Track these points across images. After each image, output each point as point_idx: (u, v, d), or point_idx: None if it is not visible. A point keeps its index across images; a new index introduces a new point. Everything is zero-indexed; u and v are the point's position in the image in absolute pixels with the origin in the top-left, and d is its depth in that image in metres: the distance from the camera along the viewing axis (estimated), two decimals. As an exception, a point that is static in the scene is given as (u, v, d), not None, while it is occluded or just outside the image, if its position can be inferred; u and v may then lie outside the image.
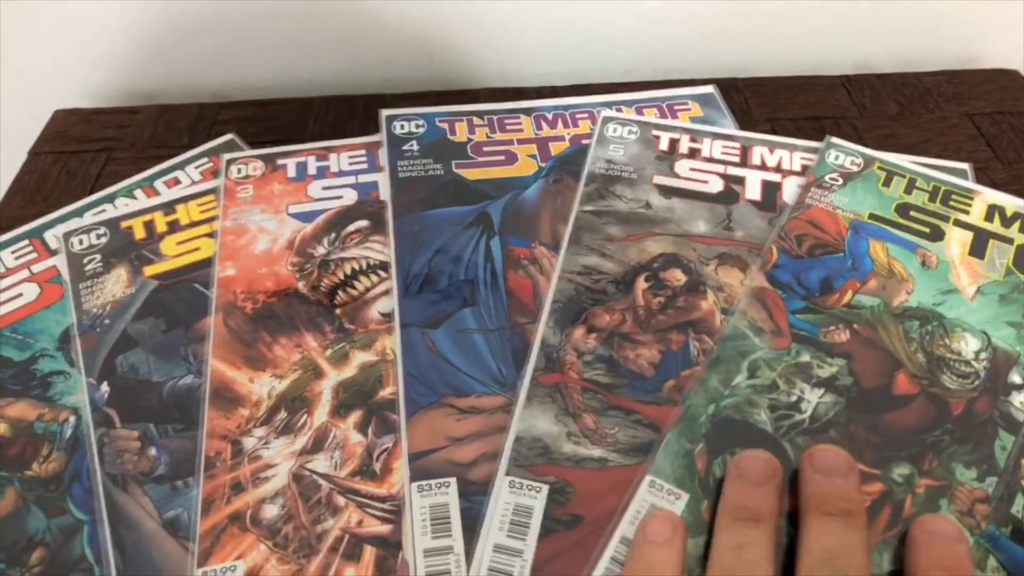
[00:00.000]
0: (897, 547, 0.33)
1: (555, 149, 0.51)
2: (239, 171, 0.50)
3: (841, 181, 0.47)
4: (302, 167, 0.50)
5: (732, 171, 0.48)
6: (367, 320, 0.42)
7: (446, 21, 0.60)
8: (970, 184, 0.46)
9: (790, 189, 0.47)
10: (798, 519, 0.33)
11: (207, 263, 0.45)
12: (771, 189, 0.47)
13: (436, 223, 0.46)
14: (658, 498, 0.34)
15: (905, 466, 0.35)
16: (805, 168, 0.48)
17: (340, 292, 0.43)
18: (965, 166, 0.48)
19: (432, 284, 0.43)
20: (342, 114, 0.57)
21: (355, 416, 0.38)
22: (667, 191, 0.47)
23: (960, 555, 0.31)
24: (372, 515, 0.35)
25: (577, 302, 0.42)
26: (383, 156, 0.50)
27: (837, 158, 0.48)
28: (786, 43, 0.63)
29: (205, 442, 0.37)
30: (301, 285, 0.44)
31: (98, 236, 0.46)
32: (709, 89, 0.56)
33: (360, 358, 0.41)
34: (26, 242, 0.47)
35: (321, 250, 0.45)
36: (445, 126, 0.53)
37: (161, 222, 0.47)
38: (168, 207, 0.48)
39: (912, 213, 0.45)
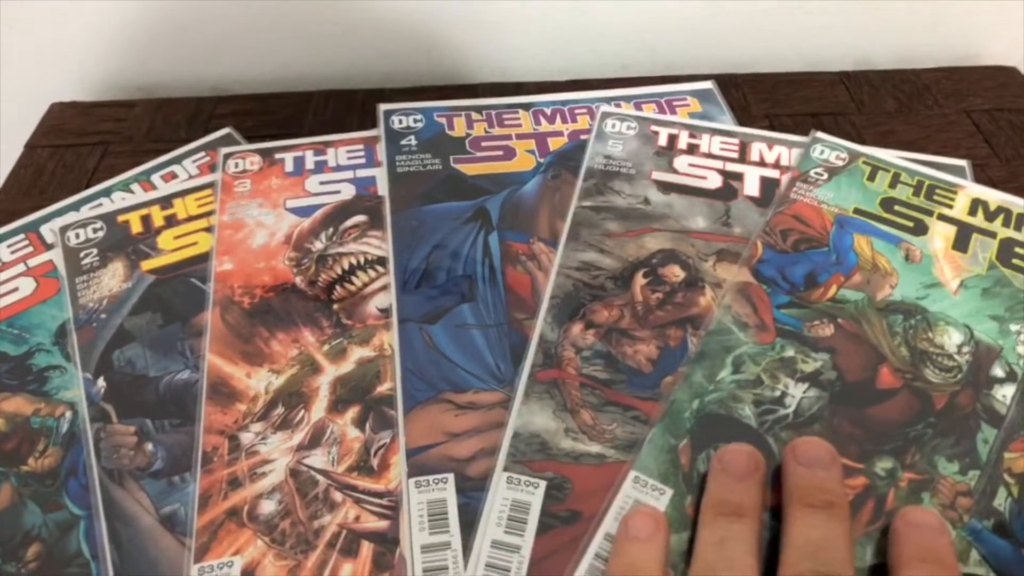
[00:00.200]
0: (880, 540, 0.33)
1: (553, 144, 0.51)
2: (236, 165, 0.50)
3: (826, 176, 0.47)
4: (300, 161, 0.50)
5: (731, 167, 0.48)
6: (365, 315, 0.42)
7: (445, 16, 0.60)
8: (954, 179, 0.46)
9: (789, 185, 0.47)
10: (782, 513, 0.33)
11: (204, 257, 0.45)
12: (770, 185, 0.47)
13: (434, 218, 0.46)
14: (642, 494, 0.34)
15: (888, 460, 0.35)
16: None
17: (338, 287, 0.43)
18: (963, 163, 0.48)
19: (430, 279, 0.43)
20: (340, 109, 0.57)
21: (353, 412, 0.38)
22: (666, 187, 0.47)
23: (942, 546, 0.31)
24: (370, 511, 0.35)
25: (575, 298, 0.42)
26: (381, 151, 0.50)
27: (822, 153, 0.48)
28: (785, 39, 0.63)
29: (202, 437, 0.37)
30: (299, 280, 0.44)
31: (95, 230, 0.46)
32: (708, 85, 0.56)
33: (358, 353, 0.41)
34: (22, 236, 0.47)
35: (319, 245, 0.45)
36: (443, 121, 0.52)
37: (158, 216, 0.47)
38: (165, 201, 0.48)
39: (896, 207, 0.45)
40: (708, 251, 0.44)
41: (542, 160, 0.50)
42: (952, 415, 0.37)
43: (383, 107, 0.53)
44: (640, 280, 0.42)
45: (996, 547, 0.33)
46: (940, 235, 0.43)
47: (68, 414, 0.39)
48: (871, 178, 0.46)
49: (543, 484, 0.35)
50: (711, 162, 0.48)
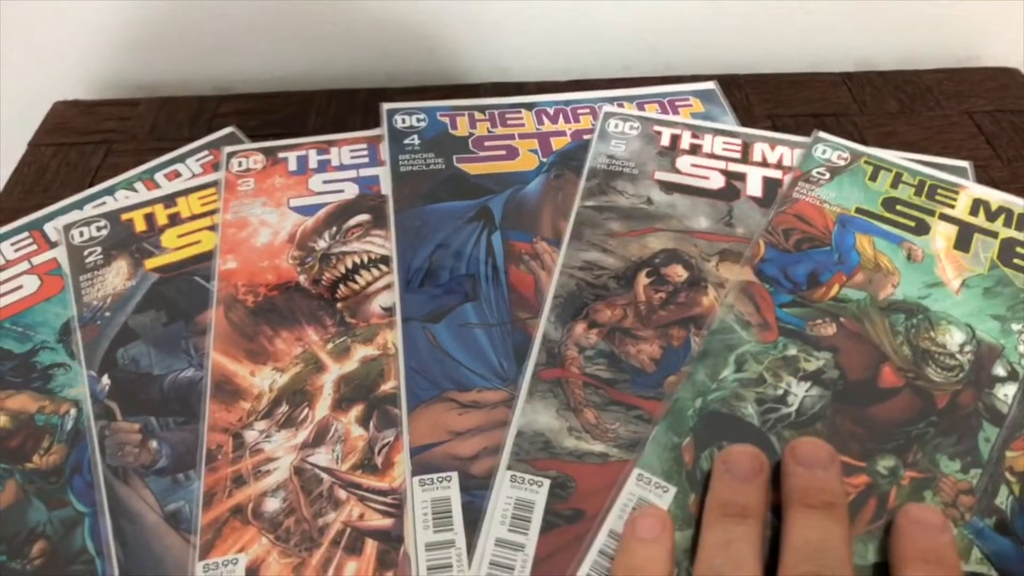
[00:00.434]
0: (882, 538, 0.33)
1: (556, 144, 0.51)
2: (240, 164, 0.50)
3: (828, 175, 0.47)
4: (303, 160, 0.50)
5: (733, 167, 0.48)
6: (368, 314, 0.42)
7: (448, 16, 0.60)
8: (955, 179, 0.46)
9: (791, 186, 0.47)
10: (782, 513, 0.33)
11: (208, 256, 0.45)
12: (772, 186, 0.47)
13: (437, 217, 0.46)
14: (646, 491, 0.35)
15: (890, 458, 0.35)
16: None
17: (341, 286, 0.43)
18: (965, 164, 0.49)
19: (433, 278, 0.43)
20: (343, 108, 0.57)
21: (356, 410, 0.39)
22: (668, 187, 0.47)
23: (943, 545, 0.31)
24: (374, 509, 0.35)
25: (578, 297, 0.42)
26: (384, 150, 0.50)
27: (824, 152, 0.48)
28: (787, 40, 0.64)
29: (206, 435, 0.37)
30: (302, 279, 0.44)
31: (98, 228, 0.46)
32: (710, 85, 0.56)
33: (361, 352, 0.41)
34: (26, 234, 0.47)
35: (322, 244, 0.45)
36: (446, 120, 0.52)
37: (162, 215, 0.47)
38: (169, 200, 0.48)
39: (898, 207, 0.45)
40: (711, 251, 0.44)
41: (545, 160, 0.50)
42: (954, 414, 0.37)
43: (386, 106, 0.53)
44: (643, 280, 0.43)
45: (998, 545, 0.33)
46: (942, 235, 0.44)
47: (72, 412, 0.39)
48: (873, 178, 0.46)
49: (547, 483, 0.35)
50: (714, 162, 0.49)
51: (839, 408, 0.37)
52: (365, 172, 0.49)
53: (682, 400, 0.37)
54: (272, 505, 0.36)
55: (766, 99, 0.58)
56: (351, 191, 0.48)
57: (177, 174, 0.51)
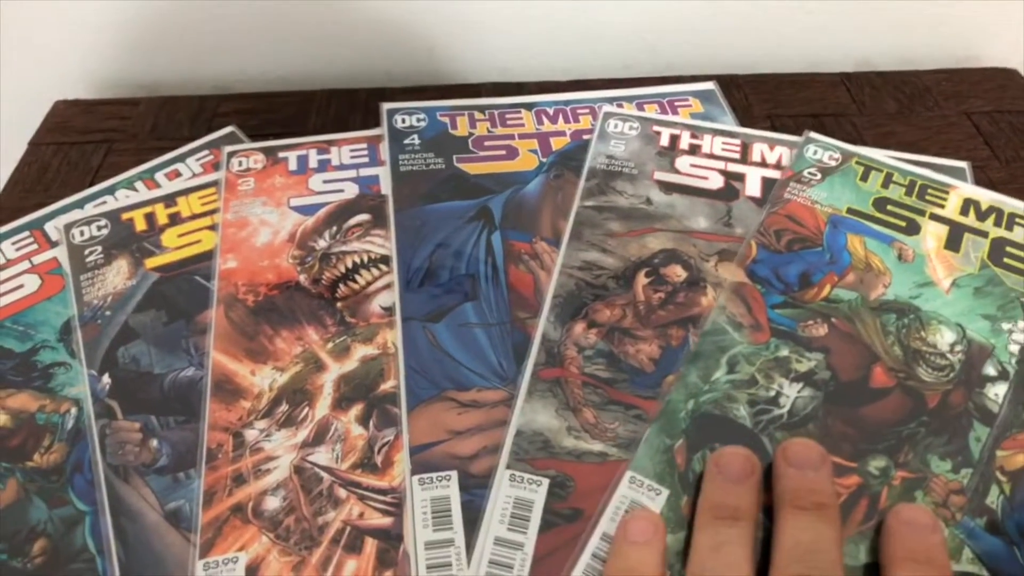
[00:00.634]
0: (873, 538, 0.33)
1: (556, 144, 0.51)
2: (240, 164, 0.50)
3: (819, 176, 0.47)
4: (303, 160, 0.50)
5: (732, 167, 0.48)
6: (368, 314, 0.42)
7: (448, 16, 0.60)
8: (945, 179, 0.47)
9: (790, 186, 0.47)
10: (774, 513, 0.33)
11: (208, 255, 0.45)
12: (771, 186, 0.47)
13: (437, 217, 0.46)
14: (638, 494, 0.35)
15: (881, 459, 0.35)
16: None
17: (341, 285, 0.44)
18: (963, 164, 0.49)
19: (433, 278, 0.43)
20: (343, 107, 0.57)
21: (356, 409, 0.39)
22: (668, 187, 0.47)
23: (934, 545, 0.31)
24: (373, 508, 0.36)
25: (578, 297, 0.42)
26: (384, 150, 0.51)
27: (815, 153, 0.48)
28: (787, 40, 0.64)
29: (207, 434, 0.38)
30: (302, 278, 0.44)
31: (99, 228, 0.46)
32: (710, 85, 0.56)
33: (361, 351, 0.41)
34: (27, 233, 0.47)
35: (322, 243, 0.45)
36: (446, 120, 0.53)
37: (162, 214, 0.47)
38: (169, 199, 0.48)
39: (889, 207, 0.45)
40: (710, 251, 0.44)
41: (544, 160, 0.50)
42: (945, 414, 0.37)
43: (386, 106, 0.53)
44: (642, 280, 0.43)
45: (989, 545, 0.33)
46: (932, 235, 0.44)
47: (73, 410, 0.39)
48: (864, 178, 0.47)
49: (546, 482, 0.35)
50: (713, 162, 0.49)
51: (831, 409, 0.37)
52: (365, 172, 0.50)
53: (674, 402, 0.37)
54: (272, 504, 0.36)
55: (765, 99, 0.58)
56: (351, 191, 0.48)
57: (177, 173, 0.51)
